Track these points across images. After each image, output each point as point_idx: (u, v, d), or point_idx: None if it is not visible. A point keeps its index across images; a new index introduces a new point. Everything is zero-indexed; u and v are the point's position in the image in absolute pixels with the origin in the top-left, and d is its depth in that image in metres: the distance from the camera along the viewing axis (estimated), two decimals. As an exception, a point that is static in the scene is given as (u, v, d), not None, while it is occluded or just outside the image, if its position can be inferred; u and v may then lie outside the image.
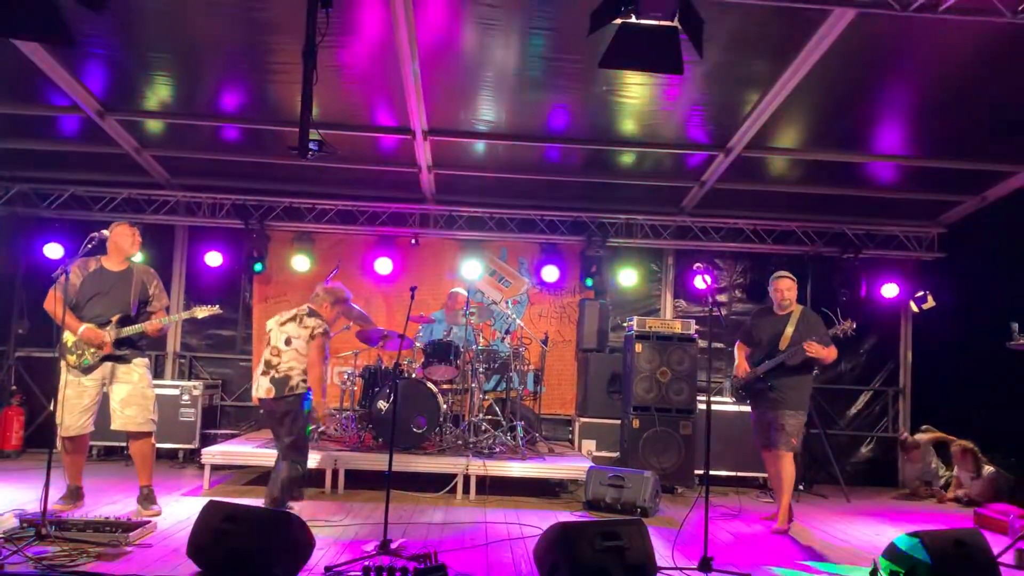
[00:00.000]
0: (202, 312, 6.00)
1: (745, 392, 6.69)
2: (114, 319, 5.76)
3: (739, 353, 6.80)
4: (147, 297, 5.96)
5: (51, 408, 5.89)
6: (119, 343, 5.78)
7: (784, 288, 6.53)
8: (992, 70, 6.22)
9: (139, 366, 5.89)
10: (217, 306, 6.08)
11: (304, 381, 5.83)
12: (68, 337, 5.71)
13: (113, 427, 5.84)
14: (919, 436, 8.92)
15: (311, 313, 5.98)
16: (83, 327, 5.67)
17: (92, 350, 5.71)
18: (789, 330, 6.41)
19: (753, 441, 6.75)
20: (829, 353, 6.31)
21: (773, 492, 7.00)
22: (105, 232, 5.70)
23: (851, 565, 5.26)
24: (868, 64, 6.32)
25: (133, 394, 5.81)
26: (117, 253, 5.92)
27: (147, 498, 5.85)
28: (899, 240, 9.52)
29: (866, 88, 6.71)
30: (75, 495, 5.86)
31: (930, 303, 9.11)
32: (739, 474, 8.44)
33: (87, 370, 5.74)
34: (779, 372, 6.37)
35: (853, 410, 9.82)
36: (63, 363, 5.73)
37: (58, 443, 5.75)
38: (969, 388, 8.65)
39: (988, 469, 8.14)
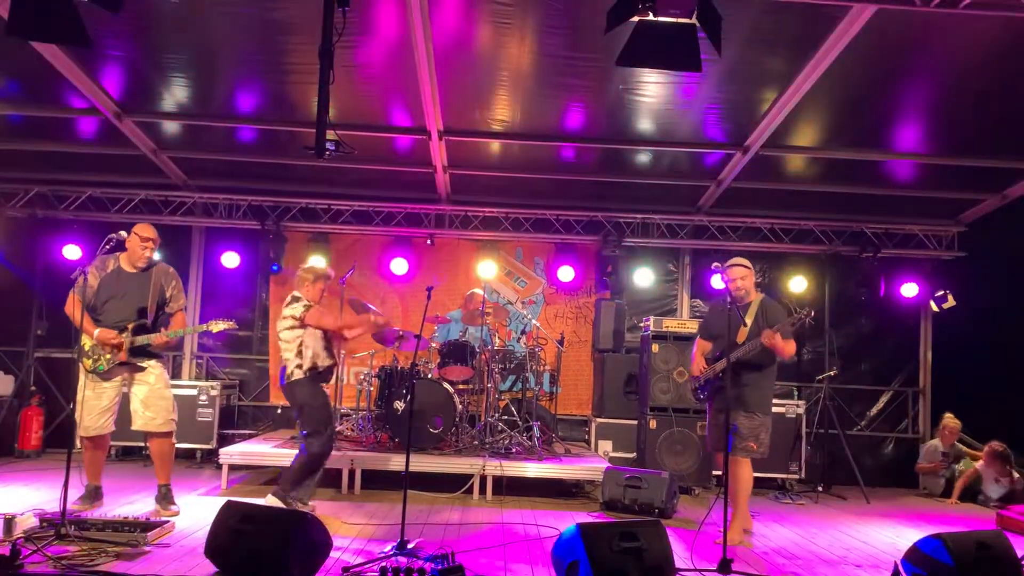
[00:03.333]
0: (217, 326, 5.97)
1: (702, 392, 6.14)
2: (130, 327, 5.75)
3: (696, 351, 6.22)
4: (165, 299, 5.97)
5: (70, 408, 5.90)
6: (133, 351, 5.78)
7: (737, 277, 5.87)
8: (1013, 66, 6.13)
9: (155, 368, 5.90)
10: (233, 321, 6.02)
11: (299, 367, 5.84)
12: (85, 341, 5.72)
13: (134, 428, 5.87)
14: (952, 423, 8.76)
15: (292, 300, 5.99)
16: (98, 330, 5.68)
17: (107, 356, 5.71)
18: (747, 321, 5.82)
19: (705, 443, 6.17)
20: (786, 347, 5.65)
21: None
22: (124, 233, 5.70)
23: (872, 568, 5.21)
24: (887, 61, 6.26)
25: (151, 395, 5.82)
26: (129, 257, 5.91)
27: (165, 497, 5.88)
28: (918, 239, 9.43)
29: (885, 85, 6.65)
30: (94, 495, 5.90)
31: (950, 302, 9.03)
32: (757, 475, 8.32)
33: (103, 375, 5.76)
34: (736, 369, 5.70)
35: (872, 410, 9.74)
36: (80, 365, 5.76)
37: (77, 442, 5.77)
38: (990, 388, 8.56)
39: (1017, 474, 8.06)
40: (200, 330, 6.20)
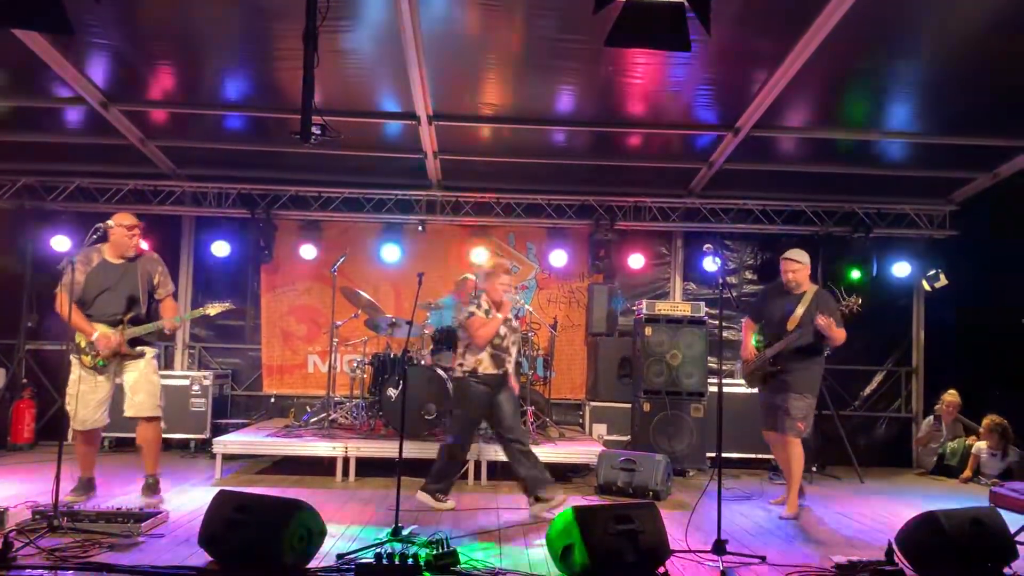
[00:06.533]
0: (214, 309, 5.94)
1: (754, 376, 6.41)
2: (125, 318, 5.70)
3: (746, 333, 6.54)
4: (153, 287, 5.91)
5: (62, 401, 5.86)
6: (132, 342, 5.74)
7: (791, 270, 6.23)
8: (1004, 44, 6.10)
9: (148, 354, 5.86)
10: (229, 303, 6.00)
11: (460, 366, 6.04)
12: (80, 338, 5.66)
13: (125, 414, 5.81)
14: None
15: (474, 298, 6.26)
16: (96, 333, 5.61)
17: (107, 352, 5.69)
18: (800, 310, 6.10)
19: (761, 424, 6.51)
20: (837, 334, 5.96)
21: (783, 475, 6.96)
22: (111, 223, 5.66)
23: (866, 546, 5.22)
24: (878, 39, 6.22)
25: (140, 380, 5.77)
26: (116, 249, 5.82)
27: (151, 487, 5.80)
28: (910, 218, 9.42)
29: (876, 64, 6.61)
30: (87, 486, 5.85)
31: (942, 281, 9.03)
32: (751, 456, 8.39)
33: (102, 370, 5.72)
34: (787, 354, 6.11)
35: (866, 391, 9.76)
36: (74, 358, 5.71)
37: (70, 435, 5.74)
38: (982, 367, 8.59)
39: (1014, 450, 8.10)
40: (198, 315, 6.13)
